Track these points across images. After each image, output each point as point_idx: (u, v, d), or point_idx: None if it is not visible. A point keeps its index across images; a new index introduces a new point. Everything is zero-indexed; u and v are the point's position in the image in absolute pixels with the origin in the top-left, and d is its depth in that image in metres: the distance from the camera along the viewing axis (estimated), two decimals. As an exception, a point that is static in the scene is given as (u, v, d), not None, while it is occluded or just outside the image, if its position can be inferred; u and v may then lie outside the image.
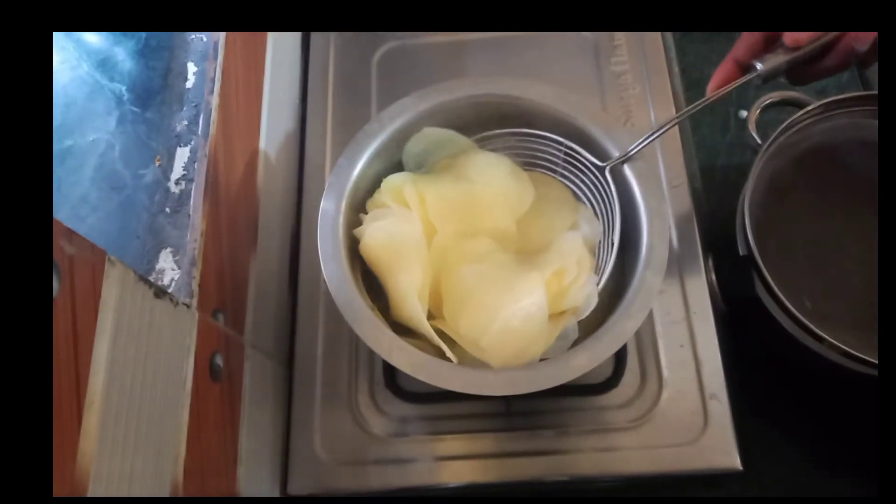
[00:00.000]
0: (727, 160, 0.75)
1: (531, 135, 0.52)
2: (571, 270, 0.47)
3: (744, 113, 0.78)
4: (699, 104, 0.50)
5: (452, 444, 0.55)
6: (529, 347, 0.45)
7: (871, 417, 0.64)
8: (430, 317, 0.48)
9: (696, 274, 0.60)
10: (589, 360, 0.42)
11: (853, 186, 0.70)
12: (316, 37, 0.73)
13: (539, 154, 0.54)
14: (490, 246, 0.50)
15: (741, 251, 0.60)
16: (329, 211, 0.48)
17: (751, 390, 0.63)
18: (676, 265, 0.60)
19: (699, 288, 0.59)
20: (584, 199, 0.53)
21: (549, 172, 0.54)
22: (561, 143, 0.51)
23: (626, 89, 0.68)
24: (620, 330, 0.43)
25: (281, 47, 0.66)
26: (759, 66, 0.48)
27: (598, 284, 0.47)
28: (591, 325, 0.46)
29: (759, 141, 0.65)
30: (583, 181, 0.52)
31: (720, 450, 0.53)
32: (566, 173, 0.53)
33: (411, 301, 0.46)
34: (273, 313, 0.58)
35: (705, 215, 0.67)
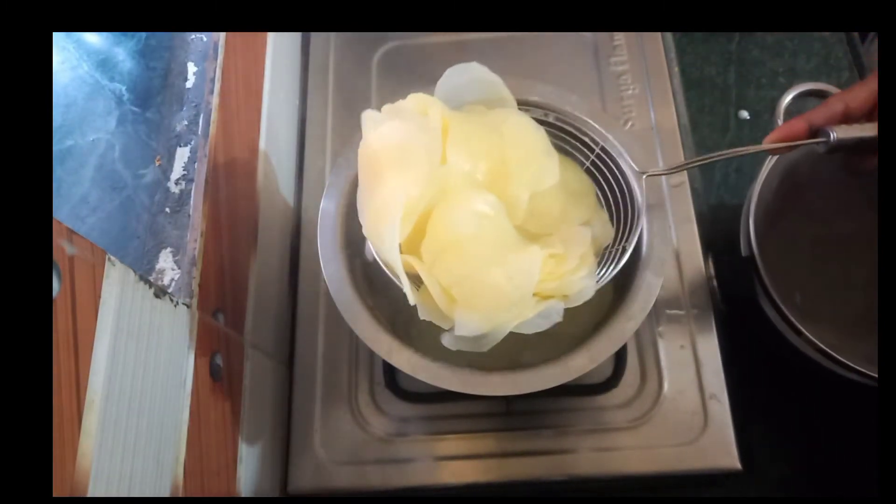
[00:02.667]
0: (727, 160, 0.75)
1: (569, 123, 0.50)
2: (572, 261, 0.45)
3: (744, 113, 0.78)
4: (752, 150, 0.48)
5: (452, 444, 0.55)
6: (503, 310, 0.41)
7: (869, 419, 0.64)
8: (403, 251, 0.43)
9: (697, 274, 0.60)
10: (589, 360, 0.43)
11: (868, 188, 0.70)
12: (316, 37, 0.73)
13: (569, 143, 0.51)
14: (495, 205, 0.45)
15: (743, 252, 0.60)
16: (329, 211, 0.48)
17: (751, 391, 0.63)
18: (676, 265, 0.60)
19: (699, 288, 0.59)
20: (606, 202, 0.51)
21: (581, 164, 0.52)
22: (596, 142, 0.50)
23: (626, 89, 0.68)
24: (620, 330, 0.43)
25: (281, 47, 0.66)
26: (832, 134, 0.45)
27: (597, 282, 0.45)
28: (590, 325, 0.46)
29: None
30: (608, 183, 0.51)
31: (720, 450, 0.53)
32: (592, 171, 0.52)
33: (393, 212, 0.40)
34: (273, 313, 0.58)
35: (705, 216, 0.67)
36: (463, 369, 0.43)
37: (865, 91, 0.45)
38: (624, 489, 0.59)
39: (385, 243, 0.41)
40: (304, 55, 0.72)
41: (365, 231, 0.43)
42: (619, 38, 0.71)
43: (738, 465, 0.53)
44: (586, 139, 0.51)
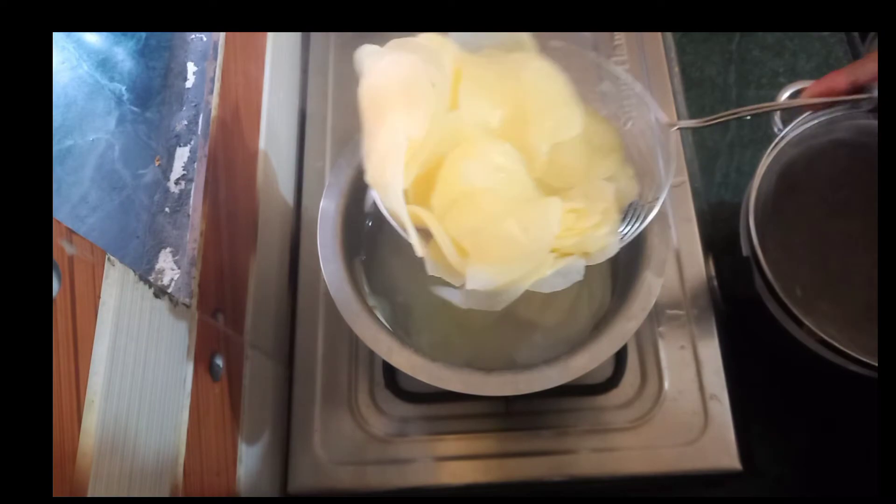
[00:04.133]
0: (727, 160, 0.75)
1: (597, 65, 0.48)
2: (594, 216, 0.41)
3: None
4: (790, 104, 0.44)
5: (452, 445, 0.55)
6: (519, 264, 0.38)
7: (871, 417, 0.64)
8: (411, 201, 0.41)
9: (697, 274, 0.60)
10: (589, 360, 0.42)
11: (867, 185, 0.70)
12: (316, 37, 0.73)
13: (594, 91, 0.49)
14: (512, 155, 0.42)
15: (744, 251, 0.60)
16: (329, 211, 0.48)
17: (752, 390, 0.63)
18: (677, 265, 0.60)
19: (700, 288, 0.59)
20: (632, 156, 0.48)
21: (611, 118, 0.49)
22: (628, 87, 0.48)
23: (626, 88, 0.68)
24: (620, 330, 0.43)
25: (281, 47, 0.66)
26: (874, 93, 0.43)
27: (621, 238, 0.41)
28: (591, 325, 0.46)
29: (781, 127, 0.64)
30: (635, 135, 0.48)
31: (720, 450, 0.53)
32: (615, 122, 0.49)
33: (396, 154, 0.38)
34: (273, 313, 0.58)
35: (706, 216, 0.67)
36: (463, 370, 0.43)
37: None
38: (624, 489, 0.58)
39: (389, 190, 0.38)
40: (304, 55, 0.72)
41: (368, 178, 0.40)
42: (620, 37, 0.71)
43: (738, 465, 0.53)
44: (615, 87, 0.48)
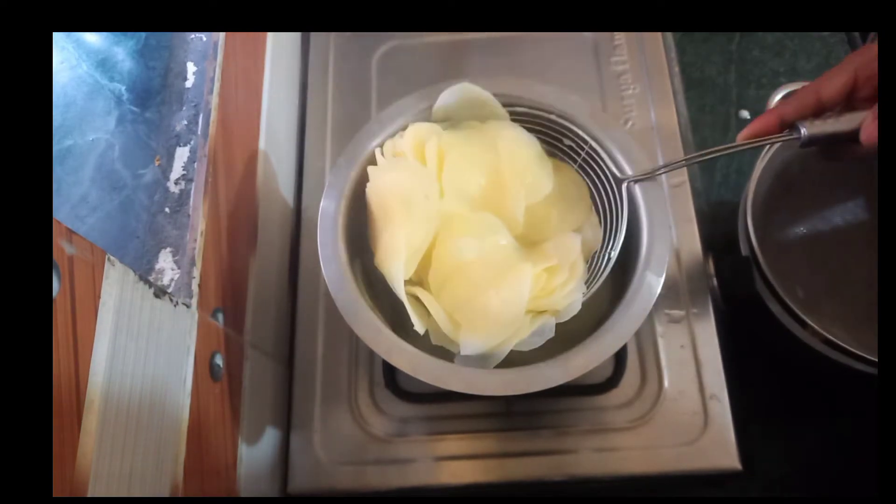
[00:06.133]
0: (727, 160, 0.75)
1: (558, 124, 0.51)
2: (563, 272, 0.47)
3: (744, 113, 0.78)
4: (724, 150, 0.47)
5: (452, 444, 0.55)
6: (501, 333, 0.45)
7: (871, 415, 0.64)
8: (414, 282, 0.48)
9: (697, 274, 0.60)
10: (587, 360, 0.42)
11: (862, 183, 0.70)
12: (316, 37, 0.73)
13: (561, 147, 0.52)
14: (494, 224, 0.49)
15: (743, 251, 0.60)
16: (329, 211, 0.48)
17: (753, 390, 0.63)
18: (677, 265, 0.60)
19: (700, 288, 0.59)
20: (594, 205, 0.52)
21: (573, 166, 0.53)
22: (585, 143, 0.50)
23: (626, 89, 0.68)
24: (620, 331, 0.43)
25: (281, 47, 0.66)
26: (803, 130, 0.44)
27: (584, 294, 0.47)
28: (591, 325, 0.46)
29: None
30: (595, 186, 0.51)
31: (720, 450, 0.53)
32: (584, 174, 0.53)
33: (398, 257, 0.45)
34: (273, 313, 0.58)
35: (706, 215, 0.67)
36: (463, 369, 0.43)
37: (838, 81, 0.45)
38: (624, 489, 0.58)
39: (394, 279, 0.45)
40: (304, 55, 0.72)
41: (377, 263, 0.47)
42: (620, 37, 0.71)
43: (737, 465, 0.53)
44: (574, 143, 0.51)
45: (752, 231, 0.61)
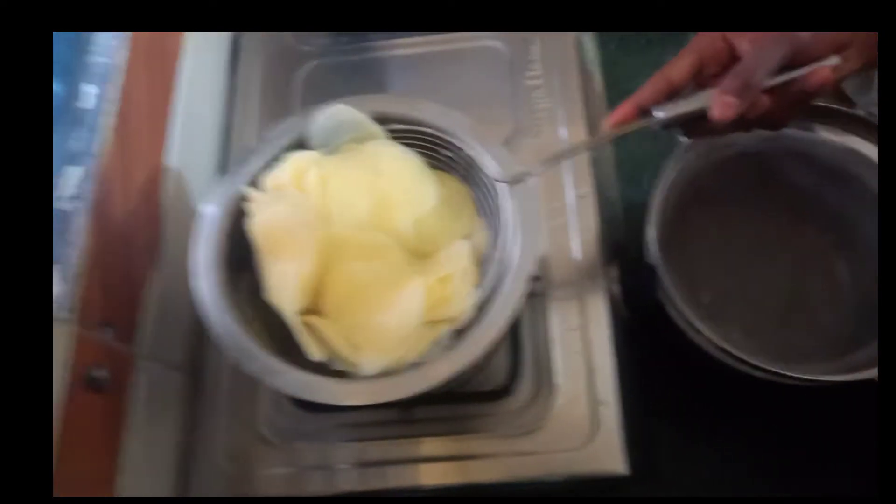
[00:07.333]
0: (643, 167, 0.76)
1: (436, 137, 0.53)
2: (456, 280, 0.48)
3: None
4: (590, 144, 0.50)
5: (355, 451, 0.56)
6: (401, 350, 0.46)
7: (770, 420, 0.65)
8: (310, 310, 0.48)
9: (596, 283, 0.61)
10: (449, 368, 0.44)
11: (773, 196, 0.71)
12: (246, 52, 0.75)
13: (441, 158, 0.54)
14: (385, 243, 0.50)
15: (648, 258, 0.62)
16: (208, 219, 0.49)
17: (656, 394, 0.65)
18: (576, 274, 0.61)
19: (597, 296, 0.60)
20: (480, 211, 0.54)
21: (455, 176, 0.55)
22: (462, 151, 0.52)
23: (539, 103, 0.70)
24: (481, 338, 0.45)
25: (203, 63, 0.68)
26: (658, 114, 0.47)
27: (475, 299, 0.48)
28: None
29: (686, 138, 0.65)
30: (477, 194, 0.53)
31: (608, 455, 0.54)
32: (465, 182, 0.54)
33: (287, 292, 0.46)
34: (183, 326, 0.59)
35: (615, 221, 0.68)
36: (326, 381, 0.44)
37: (685, 62, 0.47)
38: (522, 494, 0.60)
39: (286, 314, 0.46)
40: (233, 69, 0.74)
41: (268, 297, 0.47)
42: (535, 52, 0.72)
43: (624, 469, 0.54)
44: (453, 154, 0.53)
45: (654, 238, 0.63)
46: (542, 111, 0.69)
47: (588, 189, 0.65)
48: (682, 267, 0.66)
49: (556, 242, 0.62)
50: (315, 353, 0.46)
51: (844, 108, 0.65)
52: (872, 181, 0.65)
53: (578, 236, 0.63)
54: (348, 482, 0.55)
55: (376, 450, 0.56)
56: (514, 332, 0.60)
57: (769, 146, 0.69)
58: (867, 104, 1.06)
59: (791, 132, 0.66)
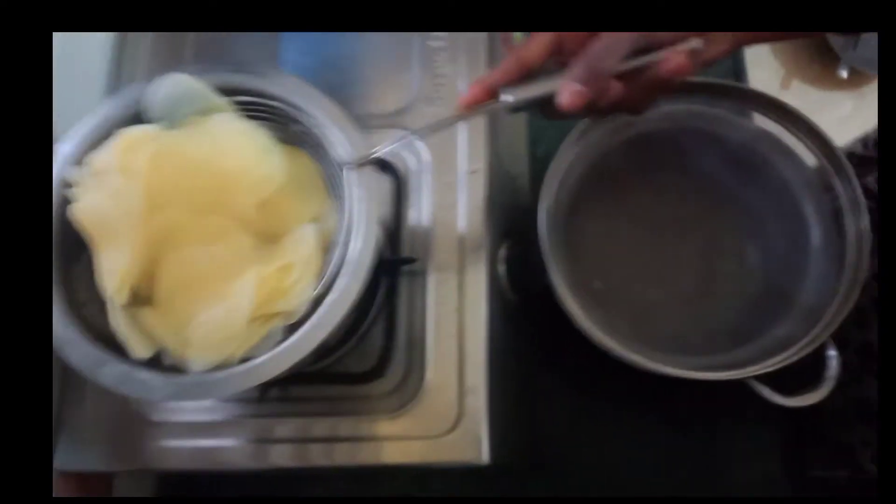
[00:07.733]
0: (551, 148, 0.73)
1: (284, 112, 0.49)
2: (297, 270, 0.45)
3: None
4: (445, 122, 0.49)
5: (214, 429, 0.56)
6: (229, 345, 0.44)
7: (654, 408, 0.65)
8: (142, 301, 0.46)
9: (479, 264, 0.59)
10: (273, 368, 0.42)
11: (684, 178, 0.68)
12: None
13: (293, 133, 0.51)
14: (225, 227, 0.47)
15: (538, 240, 0.60)
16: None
17: (540, 379, 0.64)
18: (458, 255, 0.59)
19: (479, 278, 0.58)
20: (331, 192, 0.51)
21: (308, 152, 0.51)
22: (311, 128, 0.49)
23: (441, 67, 0.66)
24: (308, 338, 0.43)
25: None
26: (507, 97, 0.46)
27: (313, 292, 0.45)
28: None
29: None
30: (328, 172, 0.50)
31: (469, 444, 0.53)
32: (316, 160, 0.51)
33: (113, 285, 0.44)
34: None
35: (522, 203, 0.65)
36: (147, 374, 0.43)
37: (539, 43, 0.45)
38: (382, 479, 0.60)
39: (109, 308, 0.44)
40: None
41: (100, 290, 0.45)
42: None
43: (486, 459, 0.53)
44: (302, 129, 0.49)
45: (544, 218, 0.60)
46: (444, 77, 0.65)
47: (480, 165, 0.62)
48: (575, 251, 0.64)
49: (443, 220, 0.60)
50: (139, 350, 0.44)
51: (765, 94, 0.61)
52: (783, 166, 0.62)
53: (466, 214, 0.60)
54: (206, 461, 0.55)
55: (237, 428, 0.56)
56: (390, 313, 0.58)
57: (681, 125, 0.65)
58: (852, 59, 1.01)
59: (693, 107, 0.62)
